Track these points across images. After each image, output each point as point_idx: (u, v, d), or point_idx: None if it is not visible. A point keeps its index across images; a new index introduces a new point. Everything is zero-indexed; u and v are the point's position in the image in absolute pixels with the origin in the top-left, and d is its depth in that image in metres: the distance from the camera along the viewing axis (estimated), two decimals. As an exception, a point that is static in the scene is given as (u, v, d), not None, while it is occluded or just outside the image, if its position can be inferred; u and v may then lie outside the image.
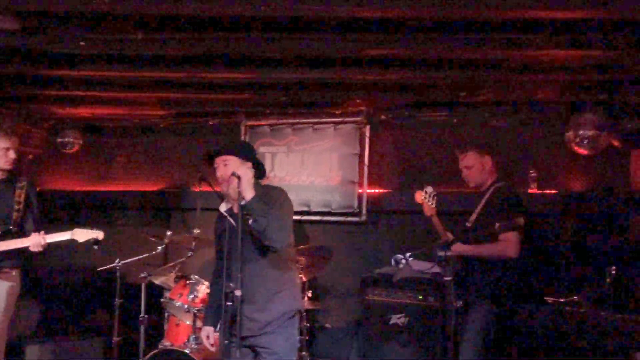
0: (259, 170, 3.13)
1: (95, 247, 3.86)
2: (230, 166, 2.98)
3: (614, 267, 3.92)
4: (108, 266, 4.45)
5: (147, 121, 5.71)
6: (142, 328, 4.23)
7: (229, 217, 3.03)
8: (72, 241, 3.80)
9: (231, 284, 2.80)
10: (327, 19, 3.08)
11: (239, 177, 2.87)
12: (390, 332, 4.36)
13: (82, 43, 3.42)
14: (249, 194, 2.85)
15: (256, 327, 3.00)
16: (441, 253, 2.44)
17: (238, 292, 2.79)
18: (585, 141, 4.32)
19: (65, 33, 3.36)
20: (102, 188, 6.02)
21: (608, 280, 3.90)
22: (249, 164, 3.03)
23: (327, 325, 5.02)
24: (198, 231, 4.52)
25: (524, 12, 2.86)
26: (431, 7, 2.78)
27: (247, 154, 3.07)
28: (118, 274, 4.43)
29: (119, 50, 3.64)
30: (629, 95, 4.37)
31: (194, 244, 4.50)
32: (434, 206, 3.86)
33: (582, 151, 4.38)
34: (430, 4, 2.75)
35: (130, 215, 5.88)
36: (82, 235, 3.82)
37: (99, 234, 3.86)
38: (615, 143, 4.30)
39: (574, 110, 4.48)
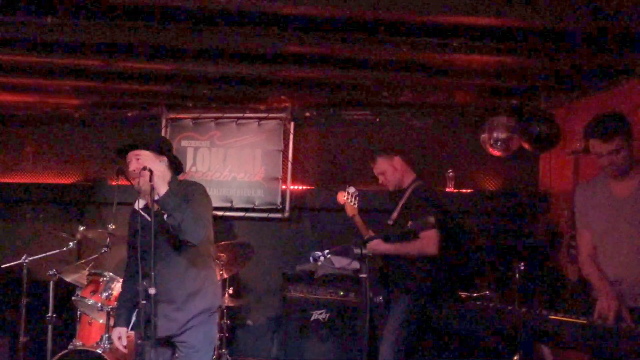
0: (176, 166, 3.04)
1: None
2: (142, 160, 2.88)
3: (522, 263, 4.14)
4: (13, 262, 4.18)
5: (60, 111, 5.42)
6: (49, 328, 4.01)
7: (142, 213, 2.94)
8: None
9: (144, 282, 2.71)
10: (251, 13, 3.04)
11: (151, 171, 2.78)
12: (311, 328, 4.40)
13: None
14: (162, 188, 2.77)
15: (175, 326, 2.94)
16: (357, 250, 2.47)
17: (152, 291, 2.71)
18: (499, 143, 4.53)
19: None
20: (9, 180, 5.65)
21: (517, 275, 4.12)
22: (164, 158, 2.95)
23: (248, 322, 4.99)
24: (113, 227, 4.33)
25: (443, 17, 2.95)
26: (354, 8, 2.81)
27: (161, 148, 2.98)
28: (25, 271, 4.18)
29: (27, 35, 3.41)
30: (540, 100, 4.63)
31: (108, 240, 4.31)
32: (356, 206, 3.91)
33: (496, 153, 4.59)
34: (354, 4, 2.77)
35: (40, 209, 5.56)
36: None
37: None
38: (526, 146, 4.52)
39: (489, 113, 4.68)
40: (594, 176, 3.11)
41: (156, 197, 2.77)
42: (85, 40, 3.57)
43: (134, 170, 2.90)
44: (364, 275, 2.51)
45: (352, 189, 3.93)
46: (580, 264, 3.06)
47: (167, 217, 2.75)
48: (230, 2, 2.77)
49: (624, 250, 2.78)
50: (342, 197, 3.95)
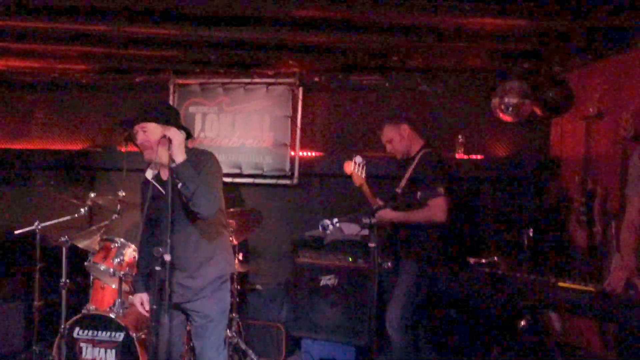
0: (185, 133, 3.03)
1: None
2: (149, 133, 2.87)
3: (530, 230, 4.14)
4: (26, 229, 4.23)
5: (68, 76, 5.39)
6: (63, 293, 4.08)
7: (155, 184, 2.94)
8: None
9: (160, 249, 2.73)
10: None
11: (170, 140, 2.77)
12: (320, 293, 4.45)
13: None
14: (179, 157, 2.77)
15: (189, 293, 2.99)
16: (366, 220, 2.47)
17: (167, 257, 2.73)
18: (510, 108, 4.46)
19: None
20: (19, 146, 5.67)
21: (525, 242, 4.12)
22: (172, 128, 2.93)
23: (257, 287, 5.05)
24: (124, 193, 4.36)
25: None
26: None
27: (168, 118, 2.93)
28: (38, 237, 4.25)
29: (31, 0, 3.37)
30: (553, 65, 4.53)
31: (119, 206, 4.35)
32: (363, 176, 3.89)
33: (507, 118, 4.53)
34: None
35: (51, 175, 5.59)
36: None
37: None
38: (538, 111, 4.46)
39: (500, 78, 4.60)
40: (607, 142, 3.04)
41: (173, 165, 2.76)
42: (93, 5, 3.52)
43: (143, 144, 2.89)
44: (372, 245, 2.51)
45: (359, 159, 3.90)
46: (623, 228, 2.92)
47: (182, 185, 2.75)
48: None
49: None
50: (348, 167, 3.93)
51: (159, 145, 2.84)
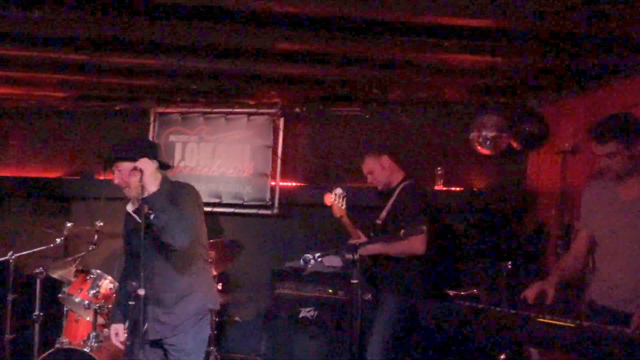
0: (162, 165, 3.01)
1: None
2: (124, 172, 2.87)
3: (509, 262, 4.17)
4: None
5: (46, 103, 5.34)
6: (36, 326, 3.97)
7: (134, 215, 2.92)
8: None
9: (133, 283, 2.69)
10: (240, 10, 3.00)
11: (141, 171, 2.75)
12: (300, 325, 4.40)
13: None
14: (152, 187, 2.74)
15: (166, 330, 2.93)
16: (349, 256, 2.46)
17: (141, 292, 2.69)
18: (487, 142, 4.53)
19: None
20: (-5, 173, 5.58)
21: (504, 274, 4.14)
22: (145, 161, 2.92)
23: (236, 318, 4.97)
24: (101, 223, 4.29)
25: (434, 18, 2.93)
26: (345, 6, 2.78)
27: (142, 154, 2.88)
28: (11, 267, 4.14)
29: (13, 28, 3.35)
30: (529, 99, 4.64)
31: (96, 237, 4.28)
32: (343, 207, 3.88)
33: (484, 151, 4.60)
34: (344, 3, 2.74)
35: (26, 204, 5.49)
36: None
37: None
38: (515, 145, 4.54)
39: (479, 111, 4.68)
40: (582, 176, 3.11)
41: (144, 195, 2.74)
42: (72, 34, 3.51)
43: (120, 183, 2.89)
44: (355, 281, 2.50)
45: (339, 190, 3.90)
46: (567, 254, 3.04)
47: (154, 217, 2.72)
48: (218, 0, 2.72)
49: (625, 254, 2.73)
50: (329, 198, 3.91)
51: (131, 176, 2.83)
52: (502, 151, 4.62)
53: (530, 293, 2.84)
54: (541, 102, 4.64)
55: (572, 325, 2.64)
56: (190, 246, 2.87)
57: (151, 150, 2.98)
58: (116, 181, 2.91)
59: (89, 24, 3.28)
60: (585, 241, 2.94)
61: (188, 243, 2.82)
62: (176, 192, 2.89)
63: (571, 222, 4.00)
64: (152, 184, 2.74)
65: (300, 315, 4.41)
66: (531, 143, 4.48)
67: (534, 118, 4.45)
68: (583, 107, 4.22)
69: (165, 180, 2.88)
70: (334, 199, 3.89)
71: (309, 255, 2.53)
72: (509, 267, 4.13)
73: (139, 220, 2.83)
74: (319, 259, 2.52)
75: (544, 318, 2.73)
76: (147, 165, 2.77)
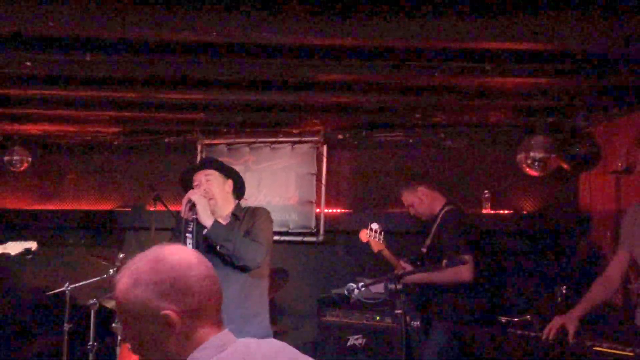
0: (240, 190, 3.08)
1: (29, 257, 3.75)
2: (212, 181, 2.91)
3: (564, 287, 4.02)
4: (57, 290, 4.28)
5: (99, 138, 5.57)
6: (91, 356, 4.08)
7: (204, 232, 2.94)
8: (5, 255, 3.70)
9: None
10: (280, 46, 3.07)
11: (193, 204, 2.80)
12: (348, 354, 4.35)
13: (27, 64, 3.30)
14: (207, 220, 2.78)
15: None
16: (391, 286, 2.44)
17: None
18: (536, 163, 4.43)
19: (11, 54, 3.24)
20: (52, 207, 5.82)
21: (559, 299, 4.00)
22: (230, 182, 2.98)
23: (284, 347, 4.96)
24: (152, 253, 4.39)
25: (474, 43, 2.91)
26: (385, 38, 2.80)
27: (229, 171, 3.01)
28: (67, 297, 4.29)
29: (66, 71, 3.53)
30: (578, 120, 4.51)
31: (147, 267, 4.38)
32: (381, 241, 3.83)
33: (533, 173, 4.49)
34: (385, 35, 2.76)
35: (81, 236, 5.70)
36: (14, 247, 3.71)
37: (32, 244, 3.75)
38: (565, 166, 4.41)
39: (526, 133, 4.59)
40: (637, 196, 3.00)
41: (204, 232, 2.78)
42: (124, 75, 3.67)
43: (207, 191, 2.89)
44: (399, 311, 2.47)
45: (375, 225, 3.85)
46: (596, 280, 2.93)
47: (220, 247, 2.76)
48: (260, 37, 2.79)
49: None
50: (364, 235, 3.86)
51: (185, 206, 2.85)
52: (552, 173, 4.50)
53: (550, 329, 2.75)
54: (591, 122, 4.50)
55: (630, 354, 2.53)
56: (262, 266, 2.89)
57: (236, 173, 3.06)
58: (203, 188, 2.90)
59: (138, 64, 3.43)
60: (622, 264, 2.85)
61: (260, 261, 2.82)
62: (251, 215, 2.94)
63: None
64: (207, 217, 2.77)
65: (348, 344, 4.36)
66: (581, 164, 4.35)
67: (583, 138, 4.33)
68: (635, 126, 4.08)
69: (237, 205, 2.95)
70: (370, 234, 3.83)
71: (353, 285, 2.53)
72: (564, 291, 3.99)
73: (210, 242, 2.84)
74: (363, 288, 2.50)
75: (601, 347, 2.63)
76: (200, 199, 2.81)
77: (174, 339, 1.32)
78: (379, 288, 4.37)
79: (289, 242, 5.20)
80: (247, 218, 2.92)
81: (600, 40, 2.76)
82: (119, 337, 4.31)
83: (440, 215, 3.76)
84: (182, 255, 1.41)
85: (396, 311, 2.50)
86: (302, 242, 5.18)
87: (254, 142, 5.33)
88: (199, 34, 2.77)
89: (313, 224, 5.13)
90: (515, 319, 4.09)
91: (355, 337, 4.37)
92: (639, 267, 2.81)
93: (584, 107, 4.27)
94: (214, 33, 2.70)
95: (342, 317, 4.47)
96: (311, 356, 4.63)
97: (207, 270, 1.40)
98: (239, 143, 5.36)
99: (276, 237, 5.15)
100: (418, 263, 3.87)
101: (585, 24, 2.71)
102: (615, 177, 4.16)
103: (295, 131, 5.20)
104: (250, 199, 5.28)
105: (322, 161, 5.18)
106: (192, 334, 1.34)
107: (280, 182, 5.25)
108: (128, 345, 4.21)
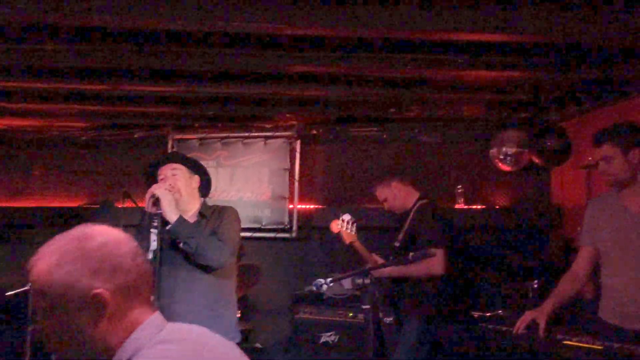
0: (206, 187, 2.99)
1: None
2: (179, 176, 2.81)
3: (535, 282, 4.04)
4: (19, 290, 4.14)
5: (66, 133, 5.42)
6: (53, 356, 3.95)
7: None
8: None
9: (160, 301, 2.62)
10: (252, 35, 3.00)
11: (157, 199, 2.71)
12: (321, 351, 4.31)
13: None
14: (172, 216, 2.69)
15: None
16: (359, 280, 2.39)
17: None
18: (508, 158, 4.44)
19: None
20: (17, 204, 5.64)
21: (530, 294, 4.01)
22: (197, 178, 2.89)
23: (257, 345, 4.90)
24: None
25: (447, 34, 2.89)
26: (360, 28, 2.75)
27: (196, 166, 2.90)
28: (30, 297, 4.15)
29: (30, 62, 3.40)
30: (550, 114, 4.54)
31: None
32: (353, 232, 3.75)
33: (506, 167, 4.50)
34: (359, 25, 2.72)
35: (48, 233, 5.51)
36: None
37: None
38: (537, 160, 4.43)
39: (498, 127, 4.60)
40: (608, 191, 3.00)
41: (167, 227, 2.69)
42: (89, 65, 3.56)
43: (173, 185, 2.77)
44: (366, 306, 2.43)
45: (347, 216, 3.75)
46: (563, 276, 2.88)
47: (183, 244, 2.67)
48: (233, 26, 2.72)
49: (633, 268, 2.64)
50: (335, 225, 3.76)
51: (148, 201, 2.76)
52: (523, 167, 4.52)
53: (520, 324, 2.72)
54: (563, 117, 4.53)
55: (599, 347, 2.53)
56: (229, 266, 2.79)
57: (203, 170, 2.96)
58: (169, 183, 2.78)
59: (104, 54, 3.33)
60: (587, 259, 2.82)
61: (224, 261, 2.71)
62: (217, 213, 2.84)
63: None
64: (172, 212, 2.67)
65: (321, 341, 4.32)
66: (553, 158, 4.37)
67: (555, 133, 4.35)
68: (606, 121, 4.10)
69: (204, 203, 2.87)
70: (342, 225, 3.75)
71: (321, 280, 2.46)
72: (535, 286, 4.01)
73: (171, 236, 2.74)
74: (331, 284, 2.44)
75: (571, 340, 2.62)
76: (165, 194, 2.70)
77: (104, 323, 1.21)
78: (350, 283, 4.33)
79: (262, 238, 5.12)
80: (214, 217, 2.83)
81: (578, 32, 2.76)
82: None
83: (414, 210, 3.73)
84: (109, 232, 1.33)
85: (363, 306, 2.45)
86: (276, 239, 5.12)
87: (226, 137, 5.24)
88: (168, 22, 2.69)
89: (286, 220, 5.06)
90: (488, 314, 4.09)
91: (328, 334, 4.33)
92: (603, 261, 2.79)
93: (556, 102, 4.30)
94: (181, 21, 2.62)
95: (316, 314, 4.42)
96: (284, 354, 4.59)
97: (137, 249, 1.31)
98: (210, 138, 5.27)
99: (249, 234, 5.11)
100: (391, 258, 3.83)
101: (561, 17, 2.71)
102: (586, 172, 4.19)
103: (268, 126, 5.13)
104: (222, 195, 5.20)
105: (295, 156, 5.12)
106: (124, 315, 1.23)
107: (253, 178, 5.17)
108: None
